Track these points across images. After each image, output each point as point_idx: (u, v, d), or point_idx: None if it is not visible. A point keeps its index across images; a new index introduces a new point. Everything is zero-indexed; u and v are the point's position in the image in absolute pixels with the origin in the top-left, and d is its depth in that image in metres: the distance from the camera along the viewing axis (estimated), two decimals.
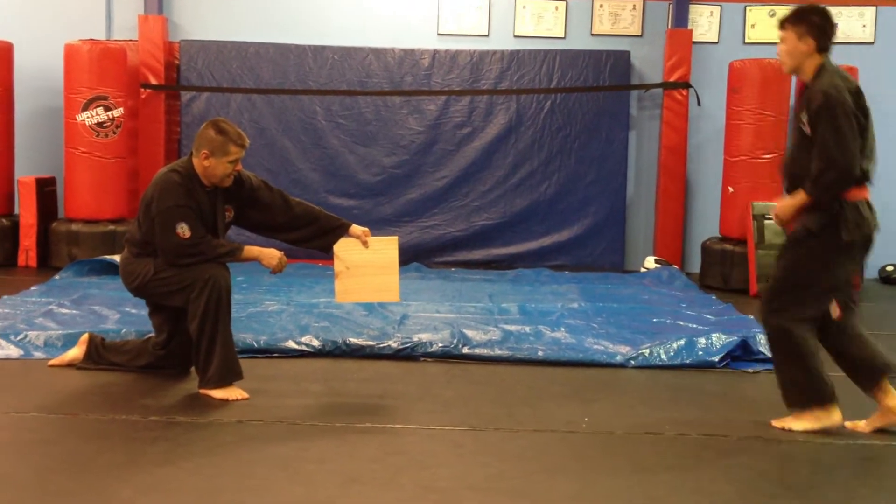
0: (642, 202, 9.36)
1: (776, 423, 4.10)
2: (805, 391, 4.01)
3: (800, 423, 4.05)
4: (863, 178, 3.94)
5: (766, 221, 7.94)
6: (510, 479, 3.38)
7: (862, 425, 4.07)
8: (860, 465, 3.69)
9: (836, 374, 4.11)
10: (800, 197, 3.95)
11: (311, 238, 4.64)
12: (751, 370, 5.09)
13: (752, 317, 6.39)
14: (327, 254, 4.64)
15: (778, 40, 4.11)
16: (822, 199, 3.88)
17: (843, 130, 3.83)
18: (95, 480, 3.25)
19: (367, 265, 4.57)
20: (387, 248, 4.62)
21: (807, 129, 3.94)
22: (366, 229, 4.61)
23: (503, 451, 3.69)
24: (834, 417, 4.02)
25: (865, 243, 3.98)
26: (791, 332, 3.98)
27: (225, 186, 4.40)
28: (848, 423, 4.07)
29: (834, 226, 3.89)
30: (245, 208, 4.56)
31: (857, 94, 3.92)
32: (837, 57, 9.16)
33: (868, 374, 4.05)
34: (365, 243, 4.58)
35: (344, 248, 4.57)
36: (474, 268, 8.75)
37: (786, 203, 4.03)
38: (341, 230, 4.60)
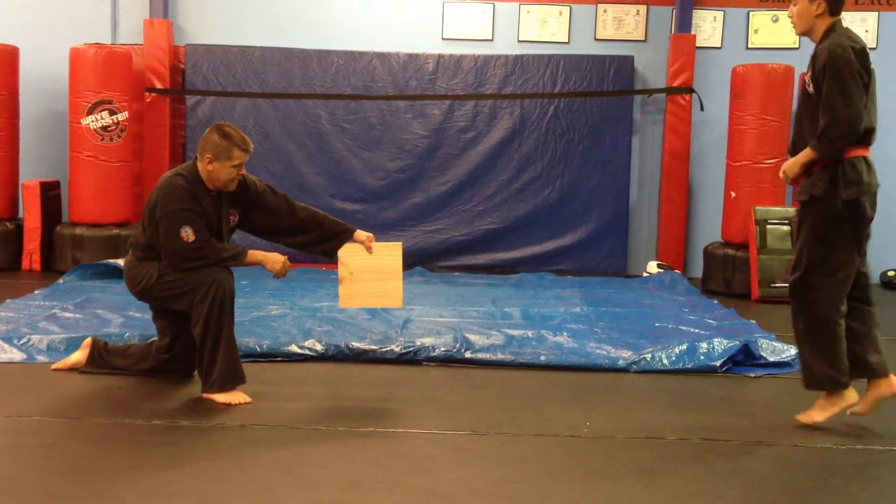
0: (645, 207, 9.36)
1: (801, 418, 4.17)
2: (827, 374, 4.03)
3: (821, 412, 4.11)
4: (863, 138, 3.95)
5: (769, 226, 7.95)
6: (512, 483, 3.39)
7: (857, 409, 4.14)
8: (862, 470, 3.69)
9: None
10: (806, 153, 3.97)
11: (316, 243, 4.65)
12: (753, 375, 5.10)
13: (754, 321, 6.40)
14: (331, 258, 4.65)
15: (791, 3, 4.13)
16: (827, 154, 3.90)
17: (848, 86, 3.85)
18: (99, 484, 3.26)
19: (370, 270, 4.59)
20: (391, 253, 4.63)
21: (810, 88, 3.98)
22: (370, 235, 4.63)
23: (506, 456, 3.70)
24: (849, 398, 4.08)
25: (862, 207, 3.95)
26: (822, 313, 4.00)
27: (230, 191, 4.41)
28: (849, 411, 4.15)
29: (834, 187, 3.91)
30: (250, 212, 4.57)
31: (863, 55, 3.93)
32: None
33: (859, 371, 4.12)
34: (369, 249, 4.59)
35: (348, 254, 4.59)
36: (477, 272, 8.76)
37: (792, 160, 4.04)
38: (346, 235, 4.61)
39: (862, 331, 4.12)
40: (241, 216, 4.56)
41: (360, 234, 4.61)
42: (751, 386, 4.94)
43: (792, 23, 4.16)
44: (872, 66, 4.00)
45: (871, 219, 4.05)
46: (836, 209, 3.93)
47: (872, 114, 4.00)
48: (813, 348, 4.06)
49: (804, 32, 4.12)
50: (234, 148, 4.29)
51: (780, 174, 4.15)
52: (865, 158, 3.99)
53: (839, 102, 3.85)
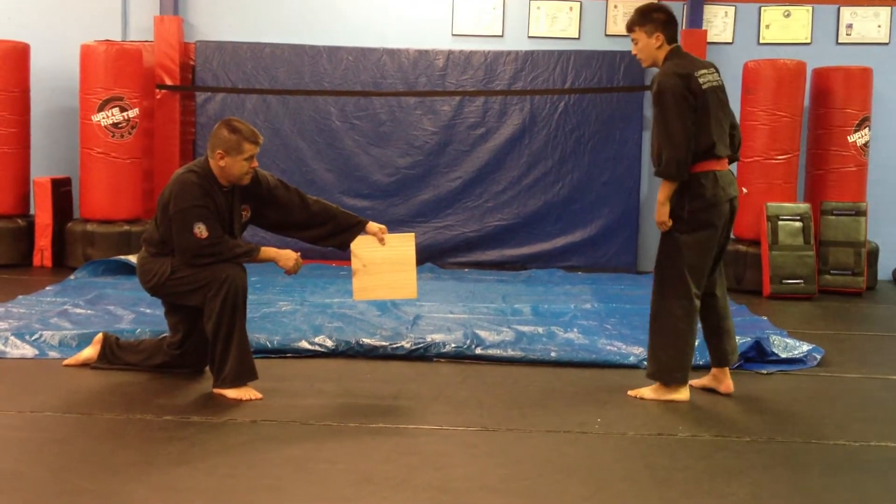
0: (655, 203, 9.32)
1: (631, 393, 4.52)
2: (670, 368, 4.40)
3: (652, 392, 4.46)
4: (704, 154, 4.28)
5: (780, 222, 7.93)
6: (523, 479, 3.39)
7: (696, 383, 4.61)
8: (873, 468, 3.67)
9: None
10: (662, 188, 4.36)
11: (329, 236, 4.65)
12: (764, 371, 5.08)
13: (765, 318, 6.38)
14: (344, 251, 4.65)
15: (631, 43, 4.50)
16: (668, 179, 4.30)
17: (669, 117, 4.21)
18: (110, 480, 3.27)
19: (384, 262, 4.58)
20: (404, 244, 4.62)
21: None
22: (383, 226, 4.62)
23: (516, 452, 3.69)
24: (683, 394, 4.45)
25: (709, 212, 4.31)
26: (670, 311, 4.36)
27: (243, 185, 4.41)
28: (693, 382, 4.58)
29: (681, 200, 4.31)
30: (262, 207, 4.57)
31: (687, 78, 4.24)
32: (853, 57, 9.18)
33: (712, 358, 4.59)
34: (382, 240, 4.59)
35: (361, 246, 4.58)
36: (487, 268, 8.76)
37: (657, 209, 4.41)
38: (358, 228, 4.61)
39: (715, 324, 4.54)
40: (254, 211, 4.56)
41: (373, 225, 4.61)
42: (763, 382, 4.92)
43: (639, 59, 4.49)
44: (707, 84, 4.29)
45: (724, 227, 4.41)
46: (684, 220, 4.31)
47: (711, 129, 4.28)
48: (654, 340, 4.45)
49: (651, 65, 4.46)
50: (244, 141, 4.29)
51: (659, 226, 4.46)
52: (714, 172, 4.32)
53: (663, 138, 4.25)
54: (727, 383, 4.61)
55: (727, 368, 4.62)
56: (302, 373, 4.85)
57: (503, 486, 3.32)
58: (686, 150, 4.23)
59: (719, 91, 4.39)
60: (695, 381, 4.64)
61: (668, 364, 4.41)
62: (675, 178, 4.30)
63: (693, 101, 4.24)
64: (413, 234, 4.73)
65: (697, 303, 4.41)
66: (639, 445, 3.82)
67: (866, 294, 8.14)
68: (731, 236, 8.48)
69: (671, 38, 4.40)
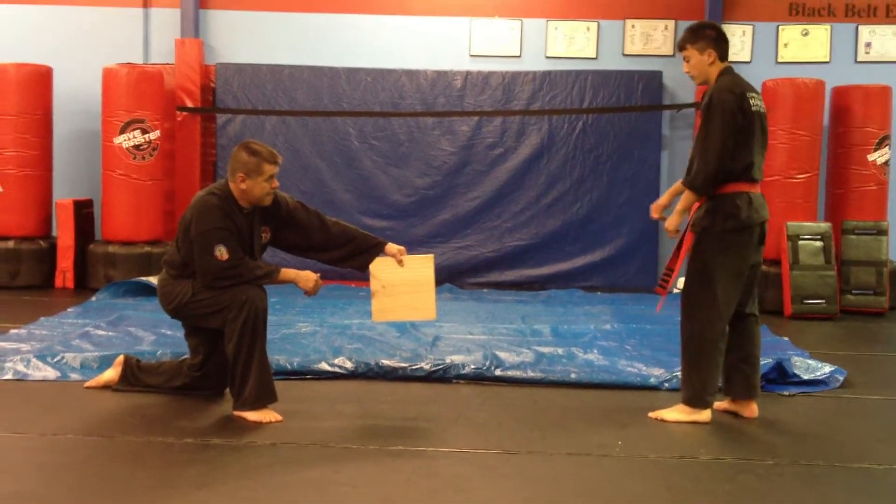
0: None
1: (652, 415, 4.50)
2: (702, 392, 4.38)
3: (675, 413, 4.45)
4: (742, 174, 4.30)
5: (801, 242, 7.88)
6: (544, 502, 3.37)
7: (720, 406, 4.60)
8: None
9: None
10: (683, 199, 4.41)
11: (348, 257, 4.66)
12: (787, 393, 5.04)
13: (787, 339, 6.33)
14: (363, 272, 4.67)
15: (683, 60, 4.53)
16: (699, 194, 4.34)
17: (717, 134, 4.23)
18: (131, 503, 3.27)
19: (403, 284, 4.59)
20: (423, 266, 4.63)
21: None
22: (402, 248, 4.63)
23: (536, 475, 3.67)
24: (705, 415, 4.42)
25: (741, 234, 4.33)
26: (701, 334, 4.36)
27: (265, 206, 4.44)
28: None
29: (714, 219, 4.32)
30: (282, 229, 4.59)
31: (742, 98, 4.28)
32: (872, 76, 9.13)
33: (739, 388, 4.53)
34: (401, 262, 4.60)
35: (380, 267, 4.59)
36: (506, 289, 8.75)
37: (671, 216, 4.48)
38: (377, 249, 4.62)
39: (749, 352, 4.50)
40: (273, 233, 4.58)
41: (392, 247, 4.62)
42: (785, 404, 4.88)
43: (691, 76, 4.53)
44: (756, 108, 4.32)
45: (758, 250, 4.43)
46: (716, 239, 4.33)
47: (753, 150, 4.32)
48: (689, 364, 4.41)
49: (703, 82, 4.51)
50: (264, 163, 4.32)
51: (668, 232, 4.55)
52: (748, 194, 4.34)
53: (700, 150, 4.28)
54: (752, 408, 4.57)
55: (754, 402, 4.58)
56: (321, 394, 4.85)
57: None
58: (717, 167, 4.24)
59: (763, 118, 4.41)
60: (718, 405, 4.62)
61: (700, 388, 4.38)
62: (699, 192, 4.33)
63: (742, 120, 4.26)
64: (432, 255, 4.74)
65: (726, 326, 4.38)
66: (660, 468, 3.79)
67: (889, 314, 8.07)
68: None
69: (723, 55, 4.43)
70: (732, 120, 4.24)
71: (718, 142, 4.23)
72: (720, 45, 4.43)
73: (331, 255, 4.66)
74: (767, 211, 4.46)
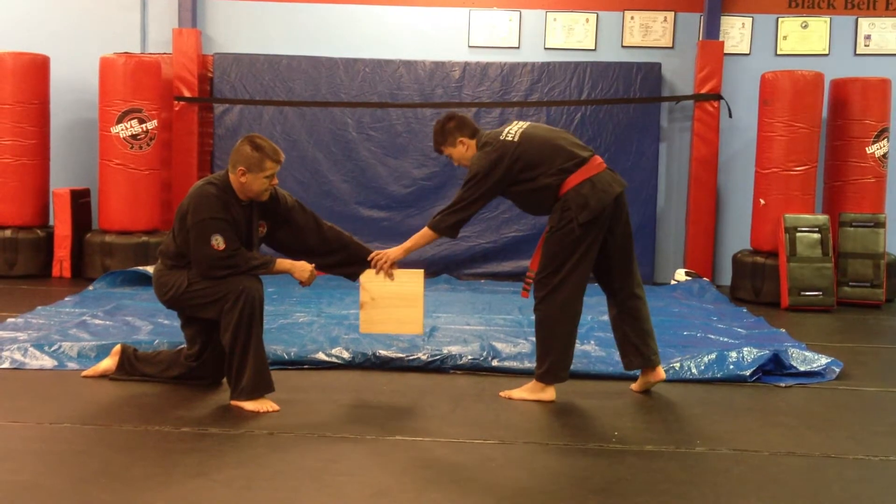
0: (673, 214, 9.32)
1: (502, 394, 4.67)
2: (557, 369, 4.56)
3: (523, 392, 4.63)
4: (562, 173, 4.47)
5: (798, 234, 7.89)
6: (540, 493, 3.38)
7: (633, 387, 4.84)
8: (894, 483, 3.64)
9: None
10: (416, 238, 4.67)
11: (339, 265, 4.72)
12: (783, 385, 5.05)
13: (783, 330, 6.35)
14: (353, 282, 4.74)
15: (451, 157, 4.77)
16: (435, 229, 4.61)
17: (474, 187, 4.52)
18: (128, 492, 3.28)
19: (392, 297, 4.64)
20: (412, 280, 4.69)
21: None
22: None
23: (533, 465, 3.68)
24: (549, 394, 4.61)
25: (599, 220, 4.46)
26: (554, 316, 4.51)
27: (261, 201, 4.44)
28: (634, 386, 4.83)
29: (565, 215, 4.44)
30: (277, 227, 4.60)
31: (491, 152, 4.50)
32: (871, 68, 9.14)
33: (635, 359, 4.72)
34: (391, 275, 4.62)
35: (370, 279, 4.64)
36: (504, 280, 8.75)
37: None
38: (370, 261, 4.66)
39: (636, 325, 4.68)
40: (269, 229, 4.59)
41: None
42: (781, 396, 4.89)
43: (465, 167, 4.70)
44: (517, 130, 4.57)
45: (617, 225, 4.55)
46: (574, 233, 4.45)
47: (549, 157, 4.49)
48: (547, 345, 4.57)
49: (467, 165, 4.68)
50: (266, 159, 4.32)
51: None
52: (589, 180, 4.47)
53: (461, 196, 4.58)
54: (657, 373, 4.76)
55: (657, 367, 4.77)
56: (318, 384, 4.86)
57: (520, 499, 3.31)
58: (466, 214, 4.58)
59: (532, 128, 4.60)
60: (633, 386, 4.86)
61: (555, 365, 4.55)
62: (441, 233, 4.64)
63: (508, 161, 4.47)
64: (422, 270, 4.76)
65: (580, 307, 4.59)
66: (656, 459, 3.80)
67: (885, 306, 8.09)
68: (751, 248, 8.47)
69: (472, 134, 4.67)
70: (491, 174, 4.48)
71: (471, 193, 4.54)
72: (464, 129, 4.66)
73: (322, 261, 4.68)
74: (620, 183, 4.57)
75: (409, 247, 4.62)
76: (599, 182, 4.48)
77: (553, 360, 4.56)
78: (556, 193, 4.51)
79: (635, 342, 4.69)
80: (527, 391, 4.64)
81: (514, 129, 4.59)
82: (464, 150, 4.68)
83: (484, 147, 4.58)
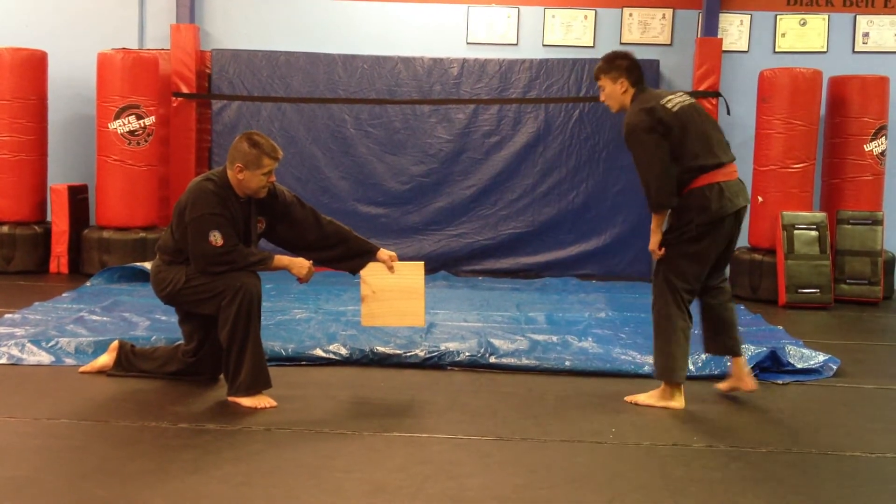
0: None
1: (628, 399, 4.58)
2: (673, 367, 4.46)
3: (648, 398, 4.53)
4: (698, 171, 4.36)
5: (796, 231, 7.89)
6: (538, 489, 3.38)
7: (721, 387, 4.74)
8: (891, 479, 3.65)
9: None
10: (654, 221, 4.48)
11: (339, 260, 4.70)
12: (780, 382, 5.06)
13: (781, 327, 6.35)
14: (353, 276, 4.73)
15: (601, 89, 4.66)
16: (660, 210, 4.42)
17: (642, 156, 4.39)
18: (126, 487, 3.28)
19: (392, 290, 4.65)
20: (413, 273, 4.69)
21: None
22: (392, 254, 4.69)
23: (530, 462, 3.68)
24: (678, 402, 4.49)
25: (716, 228, 4.39)
26: (669, 315, 4.45)
27: (259, 197, 4.43)
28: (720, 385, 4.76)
29: (684, 216, 4.39)
30: (276, 223, 4.59)
31: (650, 112, 4.38)
32: (870, 66, 9.14)
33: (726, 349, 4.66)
34: (391, 268, 4.62)
35: (371, 273, 4.64)
36: (502, 276, 8.75)
37: (652, 239, 4.53)
38: (370, 255, 4.66)
39: (720, 315, 4.64)
40: (268, 226, 4.58)
41: (384, 253, 4.67)
42: (778, 393, 4.89)
43: (608, 105, 4.65)
44: (677, 105, 4.41)
45: (728, 237, 4.48)
46: (691, 234, 4.38)
47: (691, 145, 4.37)
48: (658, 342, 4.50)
49: (619, 109, 4.63)
50: (264, 156, 4.31)
51: (652, 253, 4.57)
52: (718, 184, 4.38)
53: (644, 172, 4.40)
54: (748, 381, 4.64)
55: (743, 361, 4.68)
56: (316, 381, 4.86)
57: (517, 495, 3.31)
58: (665, 177, 4.35)
59: (689, 109, 4.45)
60: (720, 385, 4.74)
61: (671, 364, 4.47)
62: (665, 207, 4.41)
63: (662, 129, 4.35)
64: (422, 263, 4.79)
65: (689, 308, 4.51)
66: (654, 456, 3.80)
67: (882, 304, 8.09)
68: (749, 245, 8.47)
69: (635, 81, 4.55)
70: (650, 136, 4.35)
71: (648, 163, 4.36)
72: (632, 73, 4.54)
73: (322, 255, 4.67)
74: (746, 198, 4.51)
75: (654, 228, 4.51)
76: (728, 189, 4.40)
77: (664, 359, 4.48)
78: (683, 188, 4.40)
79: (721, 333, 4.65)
80: (653, 398, 4.54)
81: (675, 100, 4.44)
82: (620, 90, 4.55)
83: (641, 103, 4.45)
